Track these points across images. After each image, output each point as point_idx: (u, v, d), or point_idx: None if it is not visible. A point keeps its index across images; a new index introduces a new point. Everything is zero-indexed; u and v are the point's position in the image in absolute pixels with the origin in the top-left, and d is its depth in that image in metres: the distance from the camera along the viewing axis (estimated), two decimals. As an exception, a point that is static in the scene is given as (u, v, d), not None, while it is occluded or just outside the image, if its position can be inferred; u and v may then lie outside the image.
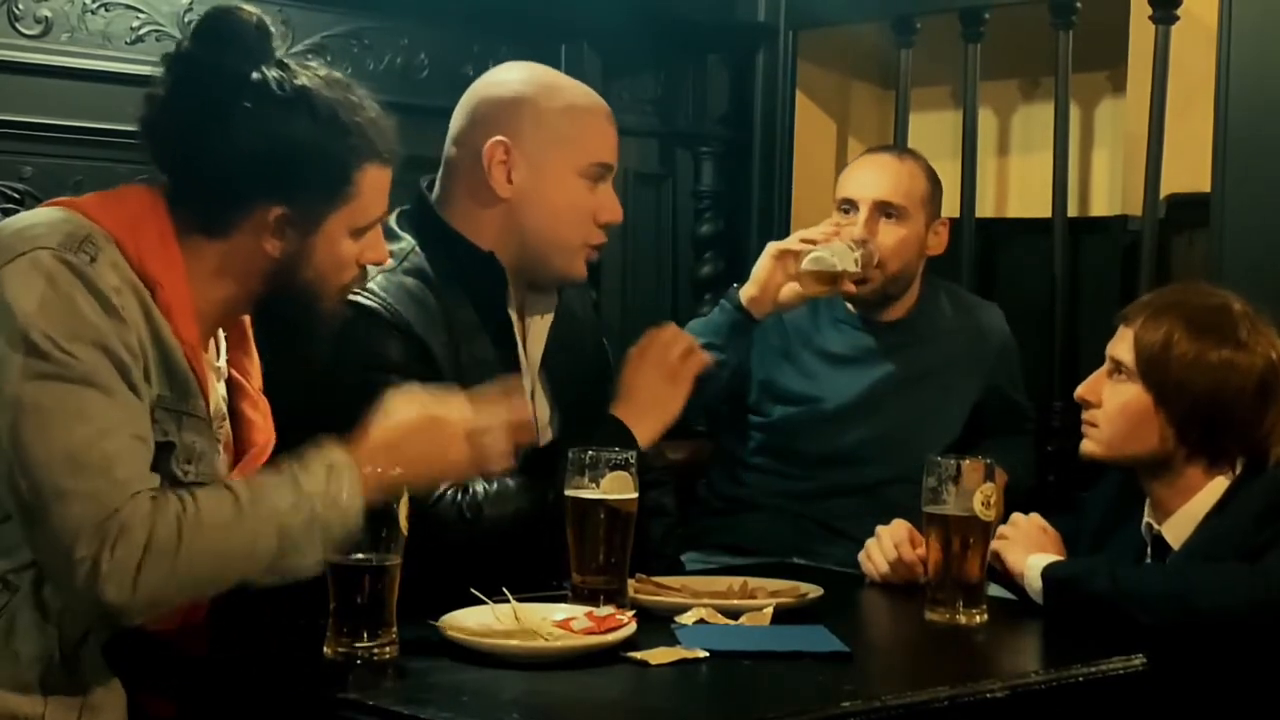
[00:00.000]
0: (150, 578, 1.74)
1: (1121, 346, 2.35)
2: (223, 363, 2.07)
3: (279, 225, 1.95)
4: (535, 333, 2.50)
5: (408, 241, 2.41)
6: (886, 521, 2.50)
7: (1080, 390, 2.40)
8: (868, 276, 3.05)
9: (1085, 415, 2.39)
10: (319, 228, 1.97)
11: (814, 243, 2.95)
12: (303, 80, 1.95)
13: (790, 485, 3.12)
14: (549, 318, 2.51)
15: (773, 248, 2.98)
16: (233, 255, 1.95)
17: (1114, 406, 2.34)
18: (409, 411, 1.96)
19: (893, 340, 3.19)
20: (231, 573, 1.82)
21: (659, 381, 2.45)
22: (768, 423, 3.17)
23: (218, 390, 2.03)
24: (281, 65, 1.95)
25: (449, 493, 2.27)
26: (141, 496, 1.76)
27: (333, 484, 1.85)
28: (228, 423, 2.05)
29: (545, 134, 2.43)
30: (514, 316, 2.46)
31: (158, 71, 1.97)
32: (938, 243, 3.21)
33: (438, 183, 2.49)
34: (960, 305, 3.31)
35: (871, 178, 3.15)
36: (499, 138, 2.41)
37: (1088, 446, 2.39)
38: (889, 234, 3.11)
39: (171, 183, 1.95)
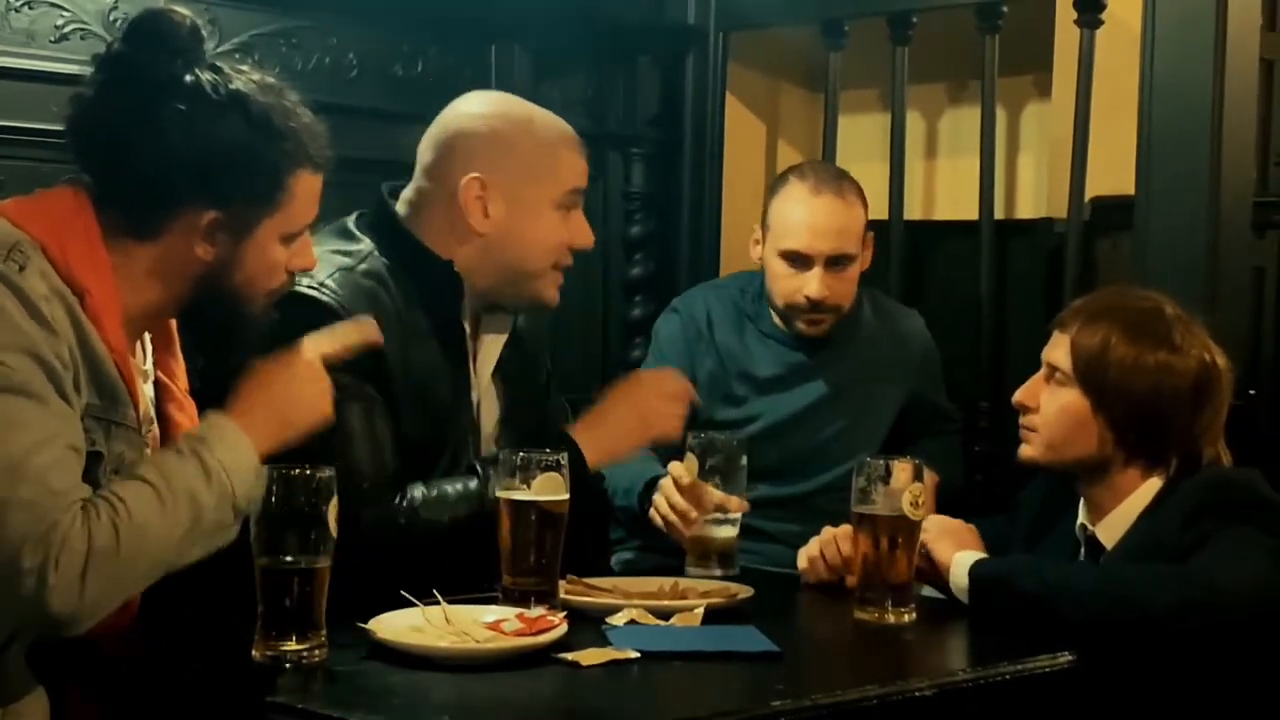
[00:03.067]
0: (94, 585, 1.74)
1: (1058, 352, 2.37)
2: (149, 365, 2.05)
3: (211, 229, 1.94)
4: (488, 347, 2.49)
5: (366, 244, 2.41)
6: (816, 529, 2.50)
7: (1018, 395, 2.42)
8: (822, 321, 3.10)
9: (1023, 420, 2.41)
10: (251, 233, 1.97)
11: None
12: (237, 84, 1.94)
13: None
14: (504, 336, 2.51)
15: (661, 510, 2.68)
16: (163, 258, 1.94)
17: (1052, 411, 2.36)
18: (265, 366, 2.00)
19: (819, 354, 3.19)
20: (166, 561, 1.83)
21: (631, 416, 2.45)
22: None
23: (145, 394, 2.01)
24: (215, 68, 1.94)
25: (386, 498, 2.26)
26: (75, 507, 1.75)
27: (229, 452, 1.87)
28: (156, 425, 2.04)
29: (522, 170, 2.42)
30: (467, 327, 2.46)
31: (87, 71, 1.95)
32: (868, 257, 3.20)
33: (406, 204, 2.47)
34: (882, 312, 3.31)
35: (823, 228, 3.06)
36: (474, 174, 2.40)
37: (1026, 451, 2.41)
38: (842, 281, 3.10)
39: (98, 184, 1.93)
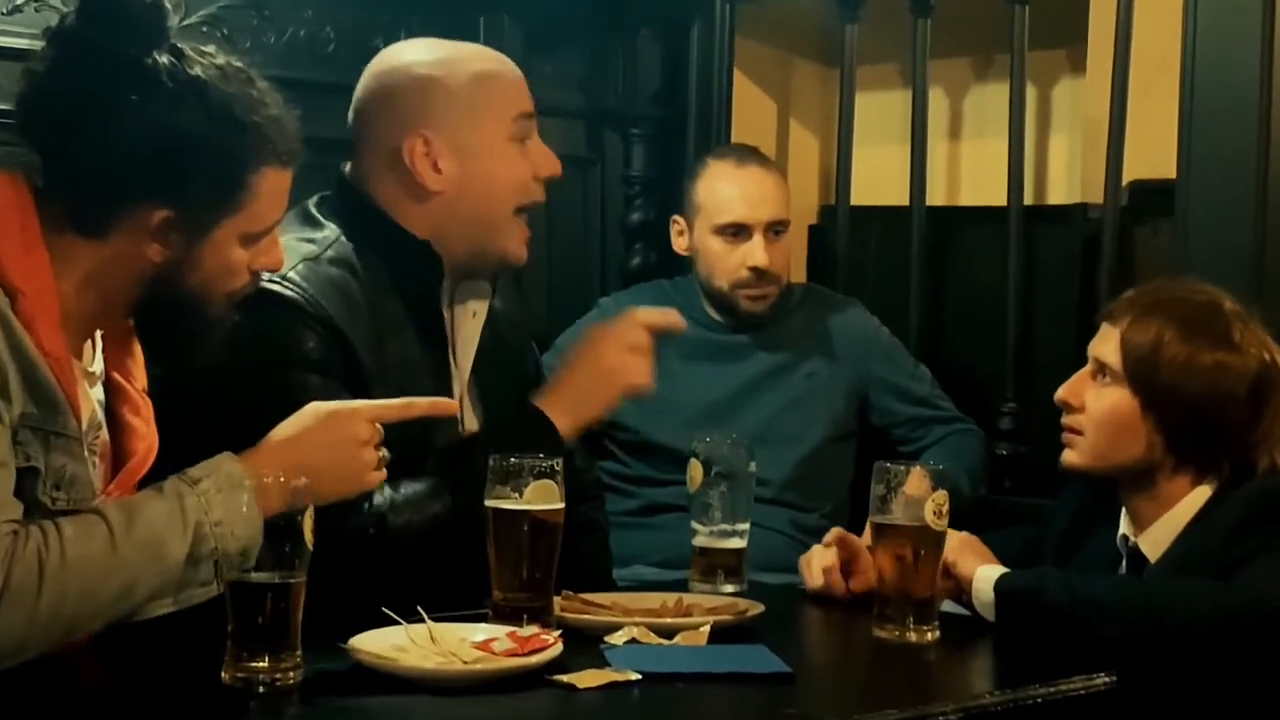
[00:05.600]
0: (7, 624, 1.72)
1: (1106, 347, 2.36)
2: (98, 366, 2.02)
3: (162, 229, 1.91)
4: (467, 334, 2.48)
5: (332, 229, 2.39)
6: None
7: (1061, 393, 2.41)
8: (767, 294, 3.34)
9: (1067, 420, 2.40)
10: (207, 235, 1.94)
11: None
12: (197, 70, 1.91)
13: (673, 493, 3.12)
14: (481, 318, 2.50)
15: None
16: (109, 259, 1.91)
17: (1099, 411, 2.36)
18: (311, 413, 1.95)
19: (752, 335, 3.38)
20: (106, 611, 1.79)
21: (595, 374, 2.43)
22: (635, 439, 3.32)
23: (92, 397, 1.98)
24: (175, 51, 1.91)
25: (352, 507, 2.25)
26: (1, 532, 1.72)
27: (225, 502, 1.83)
28: (105, 430, 2.01)
29: (461, 112, 2.41)
30: (446, 315, 2.45)
31: (38, 46, 1.94)
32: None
33: (351, 180, 2.46)
34: (817, 298, 3.51)
35: (758, 196, 3.34)
36: (415, 132, 2.39)
37: (1070, 457, 2.40)
38: (779, 250, 3.36)
39: (46, 172, 1.91)
